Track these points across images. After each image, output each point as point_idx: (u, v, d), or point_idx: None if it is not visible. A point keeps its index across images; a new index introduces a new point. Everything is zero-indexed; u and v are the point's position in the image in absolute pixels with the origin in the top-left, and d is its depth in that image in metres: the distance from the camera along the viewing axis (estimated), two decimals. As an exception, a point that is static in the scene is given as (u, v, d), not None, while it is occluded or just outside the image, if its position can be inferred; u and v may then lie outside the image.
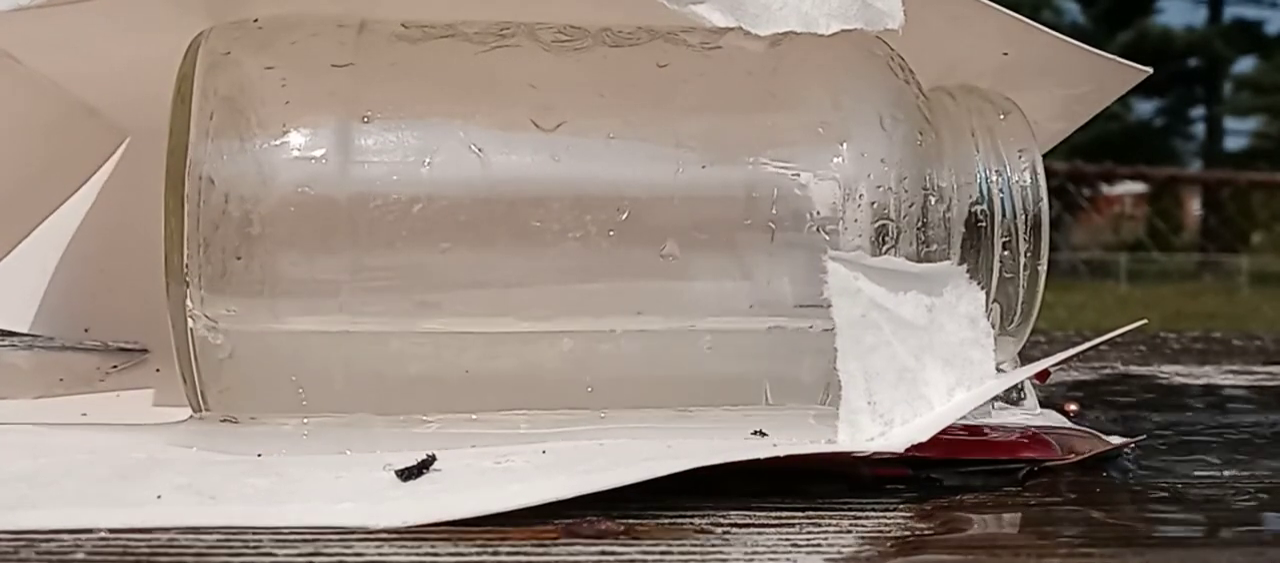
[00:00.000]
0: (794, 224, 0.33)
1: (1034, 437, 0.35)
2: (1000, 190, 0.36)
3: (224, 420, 0.33)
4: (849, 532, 0.28)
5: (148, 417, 0.37)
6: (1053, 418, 0.39)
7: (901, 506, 0.30)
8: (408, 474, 0.29)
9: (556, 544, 0.26)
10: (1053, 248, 0.37)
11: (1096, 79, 0.41)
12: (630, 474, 0.29)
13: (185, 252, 0.32)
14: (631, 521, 0.28)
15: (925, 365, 0.32)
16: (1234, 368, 0.57)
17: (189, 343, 0.32)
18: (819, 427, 0.33)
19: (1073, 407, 0.42)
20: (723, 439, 0.32)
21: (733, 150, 0.34)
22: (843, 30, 0.33)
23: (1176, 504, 0.32)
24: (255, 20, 0.34)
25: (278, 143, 0.32)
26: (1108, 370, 0.55)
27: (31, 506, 0.27)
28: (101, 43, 0.36)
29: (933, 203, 0.34)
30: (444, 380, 0.34)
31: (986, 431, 0.34)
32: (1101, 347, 0.59)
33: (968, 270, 0.33)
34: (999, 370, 0.33)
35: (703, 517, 0.28)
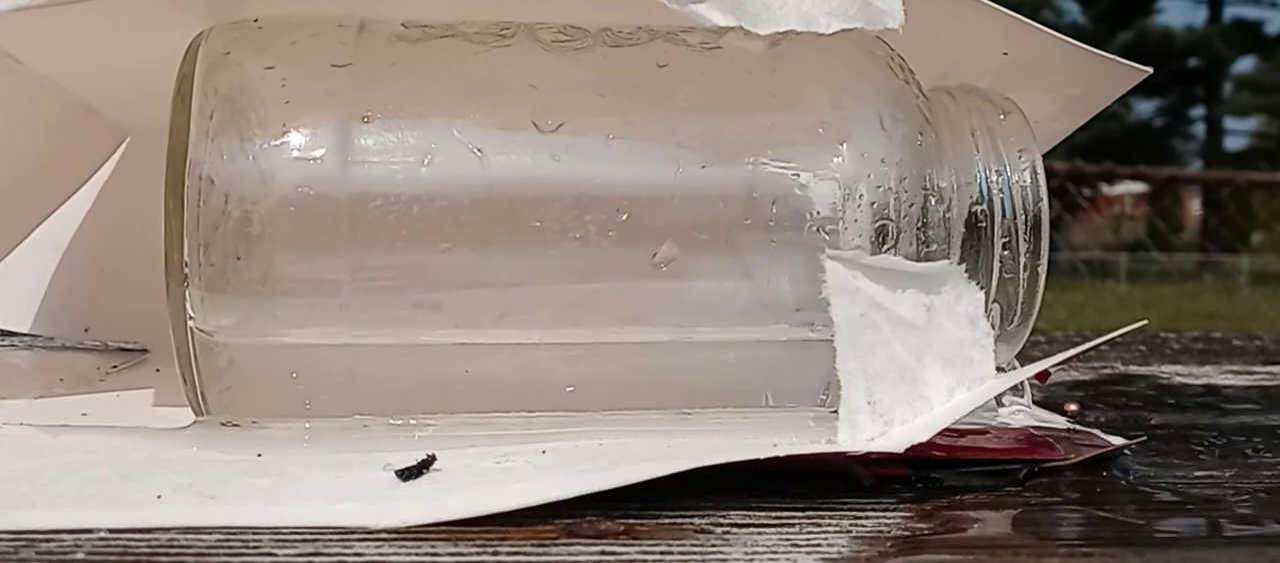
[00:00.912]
0: (794, 224, 0.33)
1: (1034, 437, 0.35)
2: (1000, 190, 0.36)
3: (224, 424, 0.33)
4: (849, 532, 0.28)
5: (148, 417, 0.37)
6: (1053, 418, 0.39)
7: (901, 506, 0.30)
8: (408, 474, 0.29)
9: (556, 544, 0.26)
10: (1053, 248, 0.37)
11: (1096, 79, 0.41)
12: (630, 474, 0.29)
13: (185, 252, 0.32)
14: (631, 521, 0.28)
15: (925, 365, 0.32)
16: (1234, 368, 0.57)
17: (189, 343, 0.32)
18: (819, 428, 0.33)
19: (1073, 407, 0.42)
20: (723, 439, 0.32)
21: (733, 150, 0.34)
22: (843, 30, 0.33)
23: (1176, 504, 0.32)
24: (255, 20, 0.34)
25: (278, 143, 0.32)
26: (1108, 370, 0.55)
27: (31, 506, 0.27)
28: (101, 43, 0.36)
29: (933, 203, 0.34)
30: (444, 381, 0.34)
31: (987, 432, 0.34)
32: (1101, 347, 0.59)
33: (967, 270, 0.33)
34: (999, 370, 0.33)
35: (703, 517, 0.28)
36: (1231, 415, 0.45)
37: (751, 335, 0.34)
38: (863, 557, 0.26)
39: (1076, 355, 0.45)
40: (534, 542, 0.26)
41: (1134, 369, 0.56)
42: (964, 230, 0.35)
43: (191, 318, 0.32)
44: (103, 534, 0.26)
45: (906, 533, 0.28)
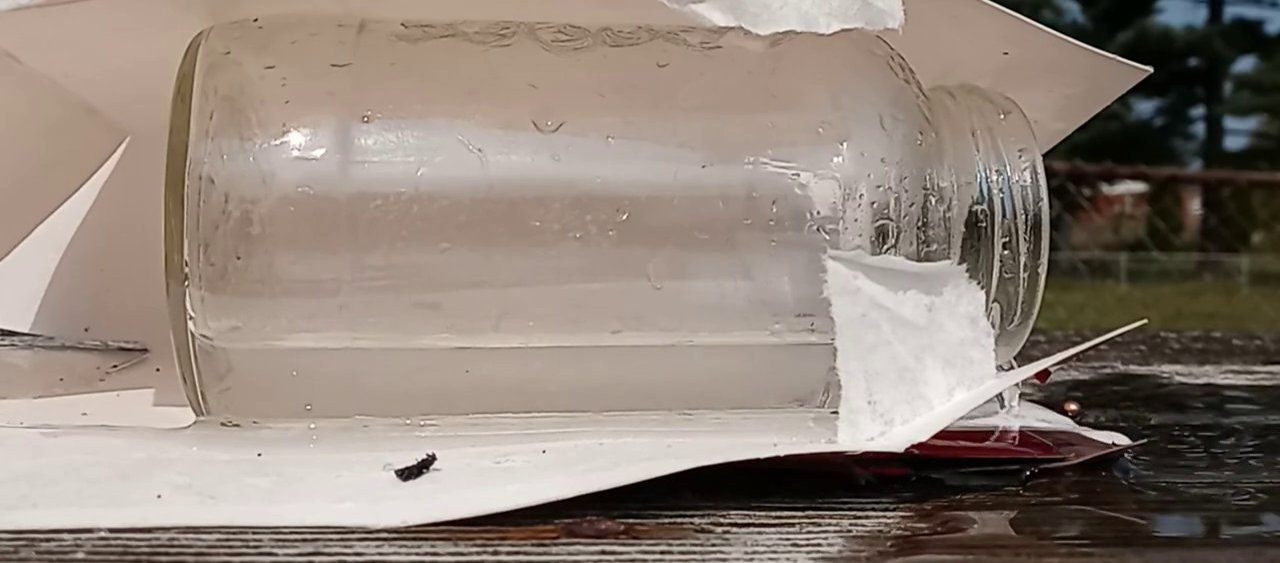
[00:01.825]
0: (794, 224, 0.33)
1: (1034, 438, 0.35)
2: (1000, 190, 0.36)
3: (224, 424, 0.33)
4: (849, 532, 0.28)
5: (148, 417, 0.37)
6: (1053, 418, 0.39)
7: (901, 506, 0.30)
8: (408, 474, 0.29)
9: (556, 544, 0.26)
10: (1053, 248, 0.37)
11: (1097, 79, 0.41)
12: (630, 474, 0.29)
13: (185, 251, 0.32)
14: (631, 521, 0.28)
15: (925, 365, 0.32)
16: (1234, 368, 0.57)
17: (189, 343, 0.32)
18: (819, 428, 0.33)
19: (1073, 407, 0.42)
20: (723, 439, 0.32)
21: (733, 150, 0.34)
22: (843, 29, 0.33)
23: (1176, 504, 0.32)
24: (255, 20, 0.34)
25: (278, 143, 0.32)
26: (1108, 370, 0.55)
27: (31, 506, 0.27)
28: (101, 43, 0.36)
29: (933, 203, 0.34)
30: (444, 381, 0.34)
31: (988, 434, 0.34)
32: (1101, 347, 0.59)
33: (968, 270, 0.33)
34: (999, 370, 0.33)
35: (703, 517, 0.28)
36: (1231, 415, 0.45)
37: (751, 335, 0.34)
38: (862, 557, 0.26)
39: (1076, 355, 0.45)
40: (534, 542, 0.26)
41: (1134, 369, 0.56)
42: (964, 230, 0.35)
43: (191, 318, 0.32)
44: (103, 534, 0.26)
45: (906, 533, 0.28)
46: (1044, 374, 0.40)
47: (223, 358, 0.32)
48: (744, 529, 0.28)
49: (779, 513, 0.29)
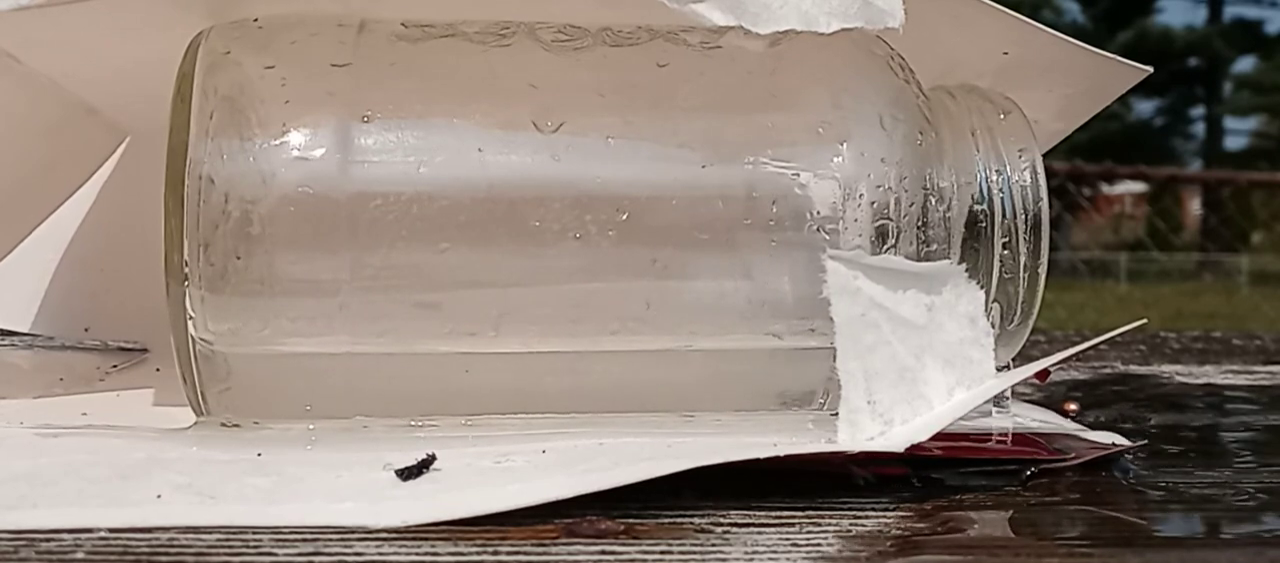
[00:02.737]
0: (794, 224, 0.33)
1: (1032, 439, 0.35)
2: (1000, 190, 0.36)
3: (224, 425, 0.33)
4: (849, 532, 0.28)
5: (148, 417, 0.37)
6: (1052, 419, 0.39)
7: (901, 506, 0.30)
8: (408, 474, 0.29)
9: (556, 544, 0.26)
10: (1053, 248, 0.37)
11: (1097, 78, 0.41)
12: (630, 474, 0.29)
13: (185, 251, 0.32)
14: (631, 520, 0.28)
15: (925, 365, 0.32)
16: (1234, 368, 0.57)
17: (189, 343, 0.32)
18: (818, 429, 0.33)
19: (1073, 407, 0.42)
20: (723, 439, 0.32)
21: (733, 150, 0.34)
22: (843, 29, 0.33)
23: (1176, 504, 0.32)
24: (255, 20, 0.34)
25: (278, 142, 0.32)
26: (1107, 370, 0.55)
27: (31, 505, 0.27)
28: (101, 43, 0.36)
29: (933, 202, 0.34)
30: (444, 381, 0.34)
31: (987, 436, 0.34)
32: (1101, 346, 0.59)
33: (967, 270, 0.33)
34: (999, 370, 0.33)
35: (703, 517, 0.28)
36: (1231, 415, 0.45)
37: (751, 335, 0.34)
38: (862, 557, 0.26)
39: (1076, 355, 0.45)
40: (534, 542, 0.26)
41: (1134, 369, 0.56)
42: (964, 230, 0.35)
43: (191, 319, 0.32)
44: (103, 534, 0.26)
45: (906, 533, 0.28)
46: (1044, 374, 0.40)
47: (222, 360, 0.32)
48: (744, 529, 0.28)
49: (779, 513, 0.29)
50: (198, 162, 0.32)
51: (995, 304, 0.36)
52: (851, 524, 0.28)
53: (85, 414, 0.37)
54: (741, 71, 0.35)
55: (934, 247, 0.34)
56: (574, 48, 0.35)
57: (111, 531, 0.26)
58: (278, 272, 0.32)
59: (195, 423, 0.34)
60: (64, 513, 0.27)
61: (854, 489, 0.31)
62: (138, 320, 0.46)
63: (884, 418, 0.31)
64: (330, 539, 0.26)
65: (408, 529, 0.27)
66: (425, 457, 0.30)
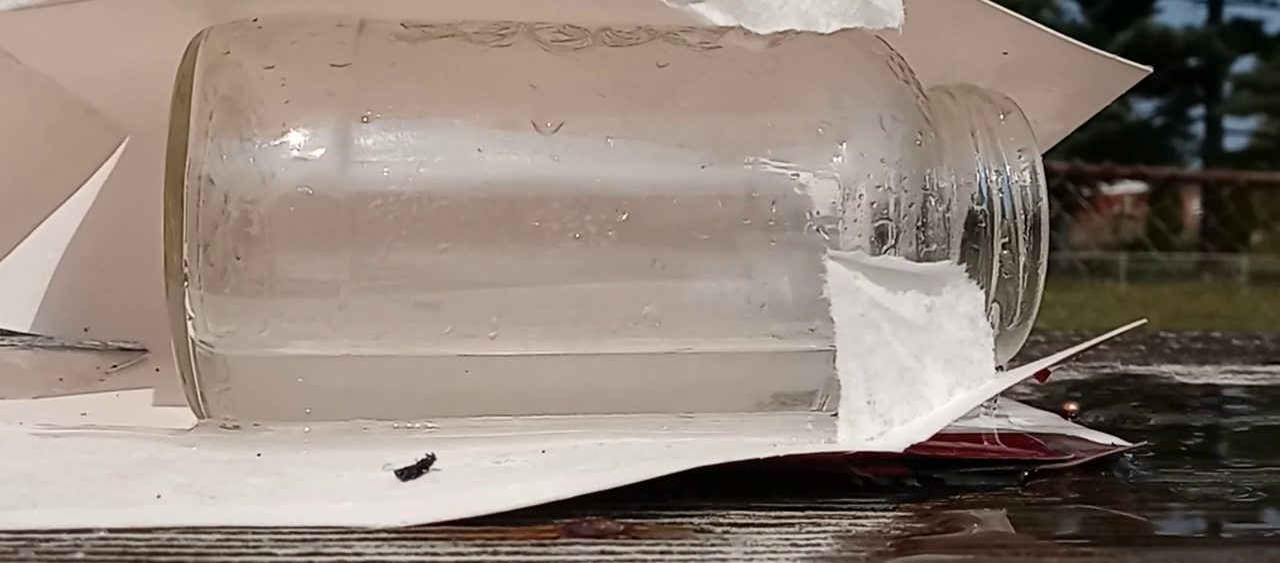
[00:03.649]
0: (794, 224, 0.33)
1: (1032, 440, 0.35)
2: (1000, 190, 0.36)
3: (224, 426, 0.33)
4: (848, 532, 0.28)
5: (147, 417, 0.37)
6: (1052, 420, 0.39)
7: (901, 506, 0.30)
8: (407, 474, 0.29)
9: (556, 544, 0.26)
10: (1052, 248, 0.37)
11: (1096, 78, 0.41)
12: (630, 474, 0.29)
13: (185, 251, 0.32)
14: (631, 520, 0.28)
15: (925, 365, 0.32)
16: (1234, 368, 0.57)
17: (188, 344, 0.32)
18: (817, 429, 0.33)
19: (1073, 407, 0.42)
20: (722, 439, 0.32)
21: (733, 150, 0.34)
22: (843, 29, 0.33)
23: (1176, 504, 0.32)
24: (255, 20, 0.34)
25: (277, 142, 0.32)
26: (1107, 370, 0.55)
27: (31, 505, 0.27)
28: (101, 43, 0.36)
29: (932, 203, 0.34)
30: (444, 381, 0.34)
31: (984, 437, 0.34)
32: (1101, 346, 0.59)
33: (967, 270, 0.33)
34: (999, 370, 0.33)
35: (703, 517, 0.28)
36: (1231, 416, 0.45)
37: (750, 335, 0.34)
38: (862, 557, 0.26)
39: (1076, 355, 0.45)
40: (534, 542, 0.26)
41: (1134, 369, 0.56)
42: (964, 230, 0.35)
43: (191, 319, 0.32)
44: (102, 534, 0.26)
45: (905, 533, 0.28)
46: (1044, 374, 0.40)
47: (222, 361, 0.32)
48: (744, 529, 0.28)
49: (778, 513, 0.29)
50: (197, 162, 0.32)
51: (995, 304, 0.36)
52: (851, 525, 0.28)
53: (85, 414, 0.37)
54: (741, 71, 0.35)
55: (933, 247, 0.34)
56: (574, 48, 0.35)
57: (111, 531, 0.26)
58: (277, 272, 0.32)
59: (195, 423, 0.34)
60: (64, 513, 0.27)
61: (853, 490, 0.31)
62: (137, 320, 0.46)
63: (883, 418, 0.31)
64: (330, 539, 0.26)
65: (408, 529, 0.27)
66: (425, 457, 0.30)
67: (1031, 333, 0.37)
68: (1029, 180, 0.36)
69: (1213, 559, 0.27)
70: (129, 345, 0.48)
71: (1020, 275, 0.36)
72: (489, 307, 0.33)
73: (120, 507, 0.27)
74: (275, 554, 0.25)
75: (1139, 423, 0.42)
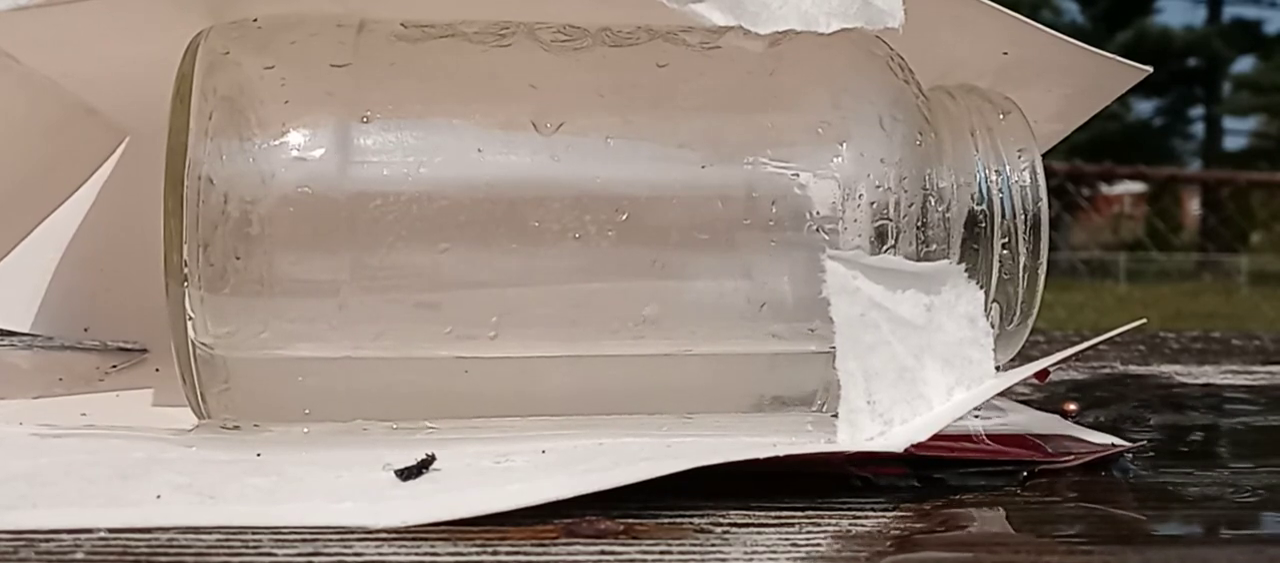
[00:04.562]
0: (794, 224, 0.33)
1: (1031, 440, 0.35)
2: (1000, 190, 0.36)
3: (224, 426, 0.33)
4: (848, 532, 0.28)
5: (147, 417, 0.37)
6: (1053, 420, 0.39)
7: (901, 506, 0.30)
8: (407, 474, 0.29)
9: (556, 544, 0.26)
10: (1052, 248, 0.37)
11: (1096, 78, 0.41)
12: (630, 474, 0.29)
13: (184, 252, 0.32)
14: (631, 520, 0.28)
15: (925, 365, 0.32)
16: (1233, 368, 0.57)
17: (188, 345, 0.32)
18: (817, 430, 0.33)
19: (1072, 407, 0.42)
20: (722, 439, 0.32)
21: (732, 150, 0.34)
22: (843, 29, 0.33)
23: (1176, 504, 0.32)
24: (255, 20, 0.34)
25: (277, 143, 0.32)
26: (1107, 370, 0.55)
27: (31, 505, 0.27)
28: (101, 43, 0.36)
29: (932, 203, 0.34)
30: (444, 381, 0.34)
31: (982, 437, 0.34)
32: (1101, 346, 0.59)
33: (967, 270, 0.33)
34: (999, 370, 0.33)
35: (702, 517, 0.28)
36: (1231, 416, 0.45)
37: (750, 335, 0.34)
38: (862, 557, 0.26)
39: (1076, 355, 0.45)
40: (534, 542, 0.26)
41: (1133, 369, 0.56)
42: (963, 230, 0.35)
43: (191, 320, 0.32)
44: (102, 534, 0.26)
45: (905, 533, 0.28)
46: (1044, 374, 0.40)
47: (222, 363, 0.32)
48: (744, 529, 0.28)
49: (779, 513, 0.29)
50: (197, 162, 0.32)
51: (995, 304, 0.36)
52: (851, 525, 0.28)
53: (85, 414, 0.37)
54: (741, 72, 0.35)
55: (933, 247, 0.34)
56: (574, 48, 0.35)
57: (111, 531, 0.26)
58: (277, 272, 0.32)
59: (195, 425, 0.34)
60: (64, 513, 0.27)
61: (853, 490, 0.31)
62: (137, 320, 0.46)
63: (883, 418, 0.31)
64: (330, 539, 0.26)
65: (407, 529, 0.27)
66: (425, 457, 0.30)
67: (1031, 333, 0.37)
68: (1029, 180, 0.36)
69: (1213, 559, 0.27)
70: (129, 345, 0.48)
71: (1020, 275, 0.36)
72: (489, 307, 0.33)
73: (120, 507, 0.27)
74: (275, 554, 0.25)
75: (1139, 423, 0.42)
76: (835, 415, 0.31)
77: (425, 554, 0.26)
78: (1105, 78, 0.41)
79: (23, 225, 0.44)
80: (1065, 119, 0.42)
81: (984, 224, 0.35)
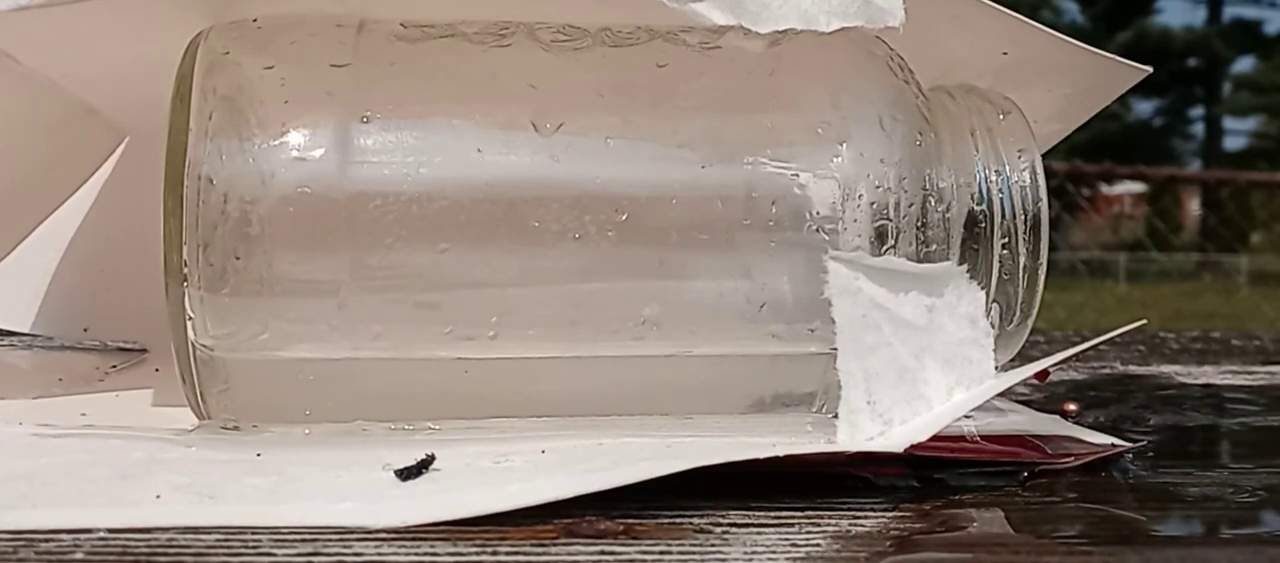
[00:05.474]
0: (793, 224, 0.33)
1: (1031, 441, 0.35)
2: (1000, 190, 0.36)
3: (224, 426, 0.33)
4: (848, 532, 0.28)
5: (147, 417, 0.37)
6: (1052, 420, 0.39)
7: (901, 506, 0.30)
8: (407, 474, 0.29)
9: (556, 544, 0.26)
10: (1052, 248, 0.37)
11: (1096, 78, 0.41)
12: (630, 474, 0.29)
13: (184, 252, 0.32)
14: (631, 520, 0.28)
15: (925, 365, 0.32)
16: (1233, 368, 0.57)
17: (188, 346, 0.32)
18: (817, 430, 0.33)
19: (1072, 407, 0.42)
20: (722, 440, 0.32)
21: (732, 150, 0.34)
22: (843, 29, 0.33)
23: (1176, 504, 0.32)
24: (254, 20, 0.34)
25: (277, 143, 0.32)
26: (1107, 371, 0.55)
27: (31, 505, 0.27)
28: (101, 43, 0.36)
29: (932, 203, 0.34)
30: (444, 381, 0.34)
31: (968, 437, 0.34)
32: (1101, 347, 0.59)
33: (967, 270, 0.33)
34: (998, 371, 0.33)
35: (702, 517, 0.28)
36: (1231, 416, 0.45)
37: (750, 335, 0.34)
38: (862, 557, 0.26)
39: (1076, 355, 0.45)
40: (534, 542, 0.26)
41: (1133, 369, 0.56)
42: (963, 231, 0.35)
43: (190, 320, 0.32)
44: (102, 534, 0.26)
45: (905, 533, 0.28)
46: (1044, 374, 0.40)
47: (222, 364, 0.32)
48: (743, 529, 0.28)
49: (779, 513, 0.29)
50: (197, 162, 0.32)
51: (995, 304, 0.36)
52: (850, 525, 0.28)
53: (85, 414, 0.37)
54: (741, 72, 0.35)
55: (933, 247, 0.34)
56: (573, 48, 0.35)
57: (111, 531, 0.26)
58: (277, 272, 0.32)
59: (195, 425, 0.34)
60: (63, 513, 0.27)
61: (853, 490, 0.31)
62: (137, 321, 0.46)
63: (883, 419, 0.31)
64: (330, 539, 0.26)
65: (407, 529, 0.27)
66: (425, 457, 0.30)
67: (1031, 333, 0.37)
68: (1029, 180, 0.36)
69: (1212, 559, 0.27)
70: (129, 345, 0.48)
71: (1020, 275, 0.36)
72: (489, 307, 0.33)
73: (120, 507, 0.27)
74: (275, 554, 0.25)
75: (1139, 423, 0.42)
76: (835, 416, 0.31)
77: (425, 554, 0.26)
78: (1105, 78, 0.41)
79: (23, 225, 0.44)
80: (1065, 119, 0.42)
81: (984, 224, 0.35)
